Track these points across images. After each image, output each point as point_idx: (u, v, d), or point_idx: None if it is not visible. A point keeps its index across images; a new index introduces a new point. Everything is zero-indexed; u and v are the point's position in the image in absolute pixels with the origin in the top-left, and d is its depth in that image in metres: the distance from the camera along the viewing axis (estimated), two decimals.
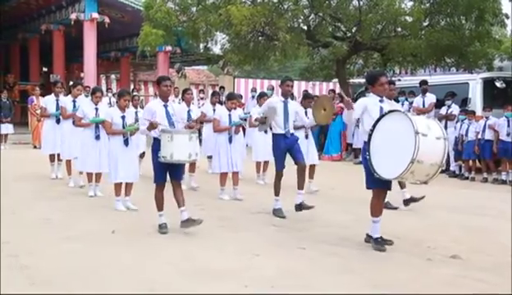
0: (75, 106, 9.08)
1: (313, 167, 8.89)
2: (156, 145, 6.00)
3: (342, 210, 7.59)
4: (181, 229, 6.01)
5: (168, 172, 6.07)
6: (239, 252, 5.33)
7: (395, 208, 7.58)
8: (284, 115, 7.01)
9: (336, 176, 11.25)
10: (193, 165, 8.94)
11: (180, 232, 6.02)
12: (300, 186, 6.98)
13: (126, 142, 7.31)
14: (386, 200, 7.18)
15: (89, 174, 8.31)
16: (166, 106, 6.18)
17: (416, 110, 12.15)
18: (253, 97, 15.13)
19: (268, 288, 4.33)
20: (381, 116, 5.33)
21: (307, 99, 8.55)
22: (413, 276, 4.74)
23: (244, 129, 9.23)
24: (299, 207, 6.94)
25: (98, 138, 8.14)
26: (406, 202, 7.74)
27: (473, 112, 11.66)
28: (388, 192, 5.69)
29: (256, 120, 7.11)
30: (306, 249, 5.49)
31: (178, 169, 6.17)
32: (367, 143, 5.37)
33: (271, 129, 7.34)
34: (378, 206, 5.57)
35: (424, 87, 12.52)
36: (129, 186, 7.36)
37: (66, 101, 9.44)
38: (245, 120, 9.04)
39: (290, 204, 7.01)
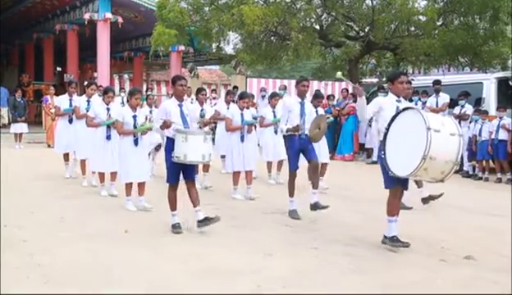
0: (89, 105, 9.10)
1: (324, 166, 8.87)
2: (169, 145, 6.01)
3: (355, 210, 7.58)
4: (195, 228, 6.05)
5: (181, 172, 6.08)
6: (251, 252, 5.34)
7: (410, 208, 7.55)
8: (300, 116, 6.98)
9: (349, 176, 11.23)
10: (207, 165, 8.96)
11: (192, 231, 6.06)
12: (315, 185, 6.95)
13: (136, 142, 7.29)
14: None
15: (101, 175, 8.36)
16: (180, 106, 6.20)
17: (430, 110, 12.08)
18: (263, 97, 15.12)
19: (281, 288, 4.33)
20: (396, 115, 5.32)
21: (317, 98, 8.55)
22: (426, 277, 4.72)
23: (255, 128, 9.22)
24: (314, 207, 6.90)
25: (108, 138, 8.16)
26: (425, 200, 7.76)
27: (486, 112, 11.56)
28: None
29: (288, 130, 7.04)
30: (319, 249, 5.49)
31: (191, 168, 6.19)
32: (382, 142, 5.37)
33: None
34: (395, 206, 5.55)
35: (437, 86, 12.44)
36: (141, 185, 7.37)
37: (80, 100, 9.49)
38: (256, 118, 9.05)
39: (303, 203, 7.01)
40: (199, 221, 6.01)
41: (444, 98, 12.28)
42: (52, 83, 20.91)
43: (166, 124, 6.03)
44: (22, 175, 9.84)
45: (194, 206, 6.07)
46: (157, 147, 9.77)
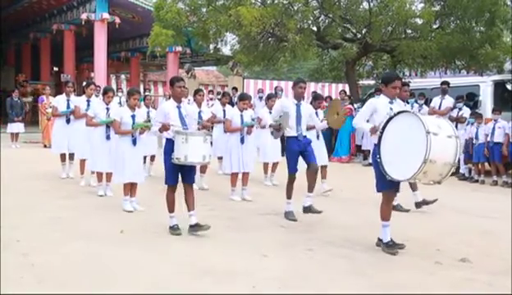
0: (89, 105, 9.07)
1: (324, 168, 8.88)
2: (168, 146, 5.98)
3: (351, 212, 7.58)
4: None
5: (180, 174, 6.05)
6: (247, 253, 5.34)
7: (407, 210, 7.56)
8: (296, 118, 6.92)
9: (345, 178, 11.23)
10: (204, 166, 8.95)
11: (188, 232, 6.04)
12: (310, 188, 6.90)
13: (134, 142, 7.28)
14: (397, 202, 7.17)
15: (99, 174, 8.35)
16: (179, 108, 6.16)
17: (432, 110, 12.07)
18: (260, 98, 15.13)
19: (276, 289, 4.33)
20: (391, 118, 5.31)
21: (317, 100, 8.53)
22: (421, 279, 4.72)
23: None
24: (308, 210, 6.90)
25: (108, 138, 8.13)
26: (418, 205, 7.73)
27: (481, 115, 11.56)
28: (397, 194, 5.65)
29: (271, 126, 7.03)
30: (314, 250, 5.49)
31: (190, 171, 6.15)
32: (377, 145, 5.35)
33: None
34: (388, 210, 5.54)
35: (444, 87, 12.34)
36: (134, 187, 7.34)
37: (79, 101, 9.46)
38: (253, 120, 9.05)
39: (300, 205, 6.99)
40: (191, 226, 6.02)
41: (448, 102, 12.20)
42: (53, 84, 20.89)
43: (164, 128, 6.01)
44: (18, 175, 9.82)
45: (189, 210, 6.06)
46: (152, 158, 9.77)
